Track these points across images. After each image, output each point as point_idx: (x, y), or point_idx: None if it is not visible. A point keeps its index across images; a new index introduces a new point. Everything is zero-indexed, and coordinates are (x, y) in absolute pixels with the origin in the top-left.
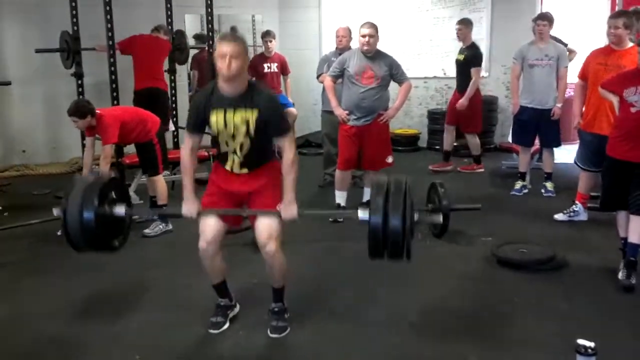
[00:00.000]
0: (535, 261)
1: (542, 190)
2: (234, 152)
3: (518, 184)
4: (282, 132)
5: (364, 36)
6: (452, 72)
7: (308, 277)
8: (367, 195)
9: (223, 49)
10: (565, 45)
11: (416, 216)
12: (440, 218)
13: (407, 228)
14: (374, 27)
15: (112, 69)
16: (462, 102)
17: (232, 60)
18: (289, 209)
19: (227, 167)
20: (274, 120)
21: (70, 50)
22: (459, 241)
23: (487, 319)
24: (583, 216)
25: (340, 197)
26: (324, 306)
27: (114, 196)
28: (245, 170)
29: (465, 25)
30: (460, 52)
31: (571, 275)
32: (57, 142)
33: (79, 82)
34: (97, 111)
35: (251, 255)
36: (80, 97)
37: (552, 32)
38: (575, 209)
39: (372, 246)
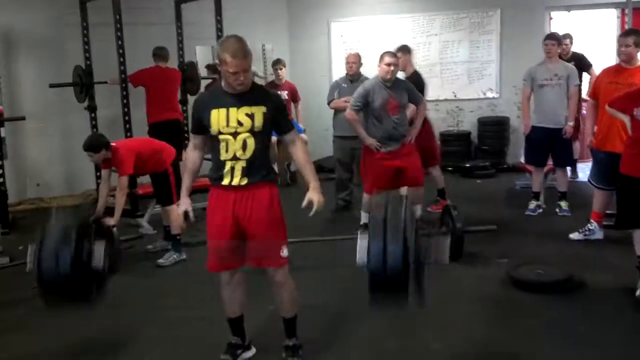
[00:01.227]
0: (552, 282)
1: (557, 210)
2: (235, 157)
3: (532, 204)
4: (289, 128)
5: (388, 65)
6: (463, 94)
7: (320, 307)
8: (416, 212)
9: (235, 66)
10: (590, 65)
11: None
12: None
13: (410, 265)
14: (396, 56)
15: (125, 101)
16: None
17: (244, 75)
18: (315, 194)
19: (225, 182)
20: (281, 117)
21: (84, 84)
22: (475, 263)
23: (505, 342)
24: (599, 234)
25: (366, 218)
26: (339, 337)
27: (94, 239)
28: (245, 181)
29: (403, 52)
30: None
31: (589, 295)
32: (72, 175)
33: (93, 115)
34: (112, 144)
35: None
36: (94, 130)
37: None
38: (591, 227)
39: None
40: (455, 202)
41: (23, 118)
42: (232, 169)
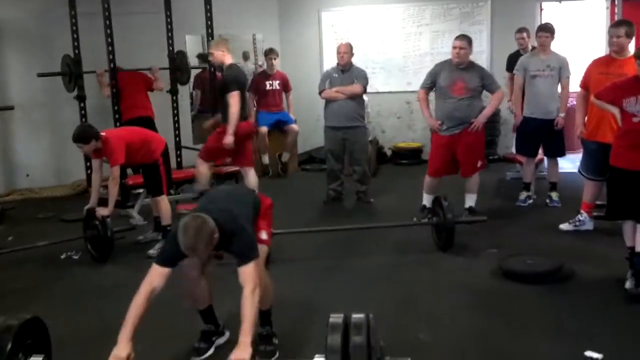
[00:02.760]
0: (542, 273)
1: (547, 201)
2: None
3: (523, 195)
4: (243, 260)
5: (455, 48)
6: None
7: (301, 300)
8: (469, 200)
9: (192, 257)
10: None
11: None
12: None
13: None
14: (465, 39)
15: (114, 90)
16: (227, 140)
17: (203, 261)
18: (240, 353)
19: None
20: (236, 252)
21: (72, 73)
22: (465, 254)
23: (495, 333)
24: (589, 225)
25: (427, 200)
26: (318, 331)
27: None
28: None
29: (216, 47)
30: None
31: (578, 286)
32: (61, 165)
33: (82, 105)
34: (102, 133)
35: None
36: (84, 120)
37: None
38: (581, 218)
39: None
40: (445, 193)
41: (12, 108)
42: None
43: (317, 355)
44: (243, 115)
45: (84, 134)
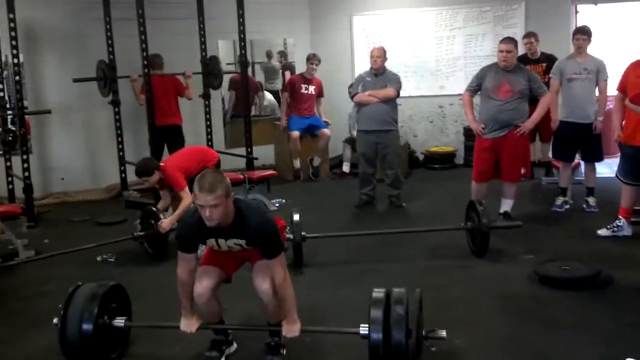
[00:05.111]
0: (579, 278)
1: (584, 206)
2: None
3: (559, 200)
4: (271, 255)
5: (501, 51)
6: None
7: (334, 303)
8: (504, 205)
9: (201, 200)
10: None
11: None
12: (443, 333)
13: (411, 344)
14: (512, 42)
15: (149, 95)
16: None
17: (213, 210)
18: (290, 328)
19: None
20: (261, 246)
21: (107, 78)
22: (500, 260)
23: (531, 339)
24: (627, 231)
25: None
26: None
27: (115, 306)
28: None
29: None
30: None
31: (617, 293)
32: (95, 169)
33: (116, 109)
34: (161, 164)
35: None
36: (118, 125)
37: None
38: (619, 223)
39: None
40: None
41: (49, 111)
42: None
43: (362, 325)
44: None
45: (147, 167)
